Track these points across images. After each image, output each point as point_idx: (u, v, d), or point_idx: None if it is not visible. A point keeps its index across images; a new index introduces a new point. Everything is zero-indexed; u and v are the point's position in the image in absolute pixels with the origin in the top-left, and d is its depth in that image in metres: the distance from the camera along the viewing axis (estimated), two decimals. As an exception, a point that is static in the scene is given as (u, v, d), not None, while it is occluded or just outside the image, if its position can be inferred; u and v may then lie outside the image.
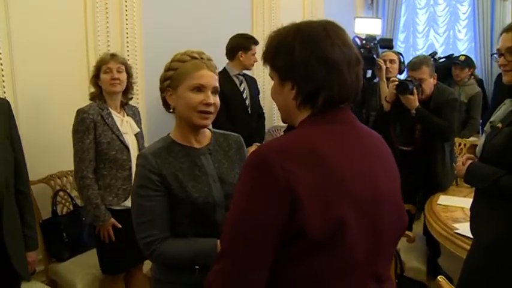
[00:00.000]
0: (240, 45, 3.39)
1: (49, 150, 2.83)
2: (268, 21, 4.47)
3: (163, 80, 1.49)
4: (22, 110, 2.65)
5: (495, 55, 1.80)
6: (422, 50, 6.35)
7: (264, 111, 3.82)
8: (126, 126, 2.46)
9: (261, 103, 3.77)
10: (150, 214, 1.39)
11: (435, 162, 2.98)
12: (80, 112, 2.35)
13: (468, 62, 4.47)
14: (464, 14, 6.07)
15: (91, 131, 2.32)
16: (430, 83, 2.93)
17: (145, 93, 3.36)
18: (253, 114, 3.53)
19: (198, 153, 1.49)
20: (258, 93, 3.70)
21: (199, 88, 1.41)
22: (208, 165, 1.49)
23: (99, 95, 2.43)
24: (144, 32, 3.31)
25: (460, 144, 4.07)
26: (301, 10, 4.95)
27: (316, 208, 0.89)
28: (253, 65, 3.51)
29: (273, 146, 0.97)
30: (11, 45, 2.56)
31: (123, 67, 2.43)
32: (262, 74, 4.14)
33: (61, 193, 2.81)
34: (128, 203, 2.03)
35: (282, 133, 4.08)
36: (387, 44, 3.92)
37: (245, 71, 3.55)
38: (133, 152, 2.42)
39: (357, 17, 4.63)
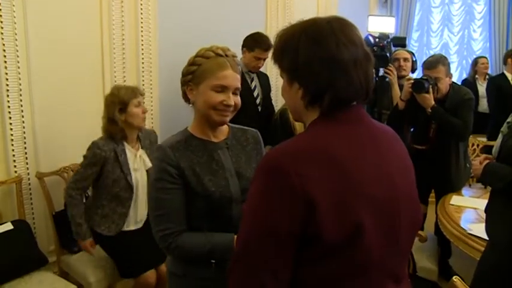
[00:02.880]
0: (247, 42, 3.33)
1: (62, 142, 2.85)
2: (282, 19, 4.45)
3: (185, 74, 1.48)
4: (37, 104, 2.67)
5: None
6: (436, 49, 6.30)
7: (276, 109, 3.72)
8: (139, 162, 2.46)
9: (274, 100, 3.70)
10: (167, 207, 1.39)
11: (449, 162, 2.96)
12: (94, 145, 2.38)
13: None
14: (479, 13, 6.01)
15: (98, 166, 2.38)
16: (446, 82, 2.90)
17: (159, 88, 3.38)
18: (263, 113, 3.45)
19: (216, 148, 1.49)
20: (270, 91, 3.61)
21: (221, 88, 1.41)
22: (226, 159, 1.49)
23: (115, 133, 2.40)
24: (158, 25, 3.31)
25: (473, 145, 4.04)
26: (315, 8, 4.92)
27: (333, 212, 0.88)
28: (255, 67, 3.39)
29: (286, 150, 0.94)
30: (28, 39, 2.58)
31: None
32: (275, 71, 4.09)
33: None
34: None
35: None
36: (400, 42, 3.88)
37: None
38: (142, 189, 2.48)
39: (371, 15, 4.60)
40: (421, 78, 2.92)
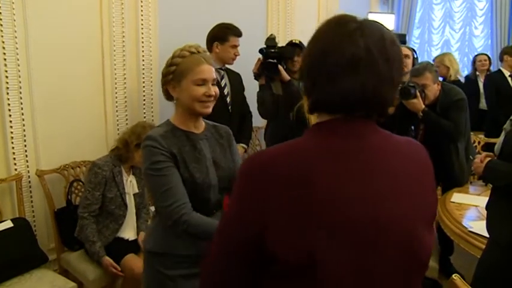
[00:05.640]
0: (215, 35, 3.08)
1: (62, 140, 2.84)
2: (284, 17, 4.44)
3: (166, 74, 1.64)
4: (37, 102, 2.66)
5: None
6: (437, 46, 6.29)
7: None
8: (129, 186, 2.66)
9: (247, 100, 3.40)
10: (169, 183, 1.52)
11: (450, 160, 2.95)
12: (95, 166, 2.55)
13: None
14: (481, 10, 5.99)
15: (102, 186, 2.53)
16: (434, 89, 2.90)
17: (159, 82, 3.34)
18: (234, 113, 3.18)
19: (197, 138, 1.65)
20: (243, 90, 3.32)
21: (202, 82, 1.59)
22: (206, 149, 1.66)
23: (124, 156, 2.60)
24: (159, 24, 3.30)
25: (474, 142, 4.03)
26: (316, 5, 4.91)
27: (285, 235, 0.82)
28: (233, 58, 3.13)
29: (262, 158, 0.90)
30: (28, 37, 2.57)
31: None
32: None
33: (75, 183, 2.83)
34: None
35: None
36: (400, 39, 3.86)
37: (228, 66, 3.18)
38: (129, 209, 2.65)
39: (371, 12, 4.59)
40: (407, 84, 2.92)
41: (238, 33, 3.10)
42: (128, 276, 2.49)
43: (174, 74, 1.61)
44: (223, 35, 3.07)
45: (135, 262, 2.48)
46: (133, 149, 2.56)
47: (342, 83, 0.87)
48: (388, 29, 0.93)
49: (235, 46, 3.10)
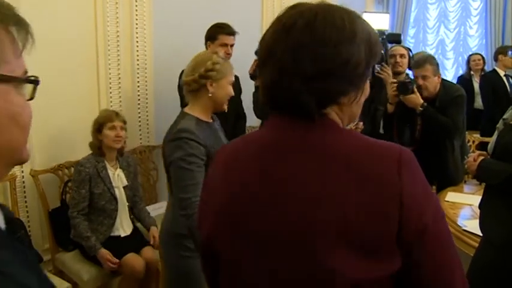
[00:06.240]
0: (207, 34, 3.07)
1: (57, 141, 2.84)
2: (278, 15, 4.43)
3: (209, 70, 1.79)
4: (31, 101, 2.64)
5: (509, 51, 1.78)
6: (432, 45, 6.31)
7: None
8: (116, 180, 2.66)
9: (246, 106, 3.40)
10: (194, 179, 1.68)
11: (446, 157, 2.96)
12: (77, 165, 2.59)
13: None
14: (476, 9, 6.01)
15: (86, 183, 2.55)
16: (434, 81, 2.91)
17: (154, 84, 3.36)
18: (229, 114, 2.95)
19: (216, 129, 1.91)
20: (240, 93, 3.28)
21: (232, 84, 1.87)
22: (222, 137, 1.91)
23: (98, 148, 2.62)
24: (153, 22, 3.29)
25: (468, 141, 4.04)
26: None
27: (216, 221, 0.89)
28: (224, 57, 3.06)
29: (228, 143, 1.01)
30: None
31: (125, 125, 2.65)
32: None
33: (69, 183, 2.81)
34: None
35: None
36: (395, 38, 3.88)
37: None
38: (121, 203, 2.65)
39: (365, 11, 4.59)
40: (404, 80, 2.92)
41: (228, 32, 3.05)
42: (128, 274, 2.48)
43: (217, 72, 1.80)
44: (213, 33, 3.06)
45: (136, 261, 2.49)
46: (95, 136, 2.60)
47: (267, 81, 0.86)
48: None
49: (226, 45, 3.04)
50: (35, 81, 0.65)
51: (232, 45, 3.09)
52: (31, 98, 0.65)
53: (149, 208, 2.96)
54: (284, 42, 0.80)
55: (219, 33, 3.04)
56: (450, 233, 0.82)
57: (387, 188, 0.74)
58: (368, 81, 0.88)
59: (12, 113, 0.60)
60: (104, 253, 2.46)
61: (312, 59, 0.78)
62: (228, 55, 3.03)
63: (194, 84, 1.81)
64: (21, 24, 0.62)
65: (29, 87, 0.64)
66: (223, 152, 0.95)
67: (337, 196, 0.75)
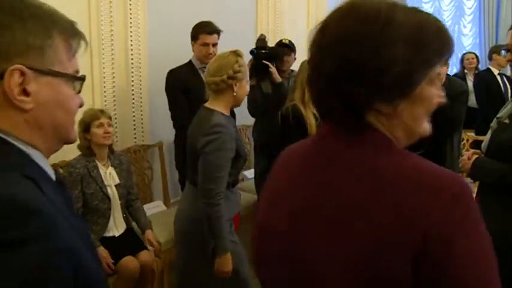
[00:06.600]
0: (191, 34, 3.02)
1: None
2: (273, 17, 4.43)
3: (237, 72, 1.95)
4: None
5: (503, 50, 1.80)
6: (426, 44, 6.32)
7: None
8: (108, 178, 2.66)
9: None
10: (220, 172, 1.87)
11: (444, 155, 2.97)
12: (68, 166, 2.61)
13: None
14: (469, 9, 6.04)
15: (78, 183, 2.54)
16: (443, 70, 2.90)
17: (149, 83, 3.35)
18: None
19: (234, 123, 2.10)
20: None
21: None
22: (237, 131, 2.09)
23: (87, 148, 2.61)
24: (148, 21, 3.27)
25: (462, 140, 4.06)
26: (305, 6, 4.90)
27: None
28: (205, 56, 2.94)
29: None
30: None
31: (111, 121, 2.67)
32: None
33: (64, 183, 2.81)
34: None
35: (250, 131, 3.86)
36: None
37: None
38: (114, 201, 2.65)
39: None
40: None
41: (210, 31, 2.95)
42: (126, 275, 2.49)
43: (242, 73, 1.97)
44: (195, 33, 3.00)
45: (132, 263, 2.50)
46: (82, 136, 2.58)
47: None
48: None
49: (207, 44, 2.95)
50: (80, 78, 0.81)
51: (215, 45, 2.99)
52: (79, 92, 0.81)
53: (144, 207, 2.95)
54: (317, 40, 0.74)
55: (200, 32, 2.96)
56: None
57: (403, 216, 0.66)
58: (434, 91, 0.74)
59: (58, 99, 0.75)
60: (102, 251, 2.46)
61: (334, 57, 0.70)
62: (210, 55, 2.89)
63: (222, 84, 1.95)
64: (76, 35, 0.80)
65: (78, 83, 0.80)
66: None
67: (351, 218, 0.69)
